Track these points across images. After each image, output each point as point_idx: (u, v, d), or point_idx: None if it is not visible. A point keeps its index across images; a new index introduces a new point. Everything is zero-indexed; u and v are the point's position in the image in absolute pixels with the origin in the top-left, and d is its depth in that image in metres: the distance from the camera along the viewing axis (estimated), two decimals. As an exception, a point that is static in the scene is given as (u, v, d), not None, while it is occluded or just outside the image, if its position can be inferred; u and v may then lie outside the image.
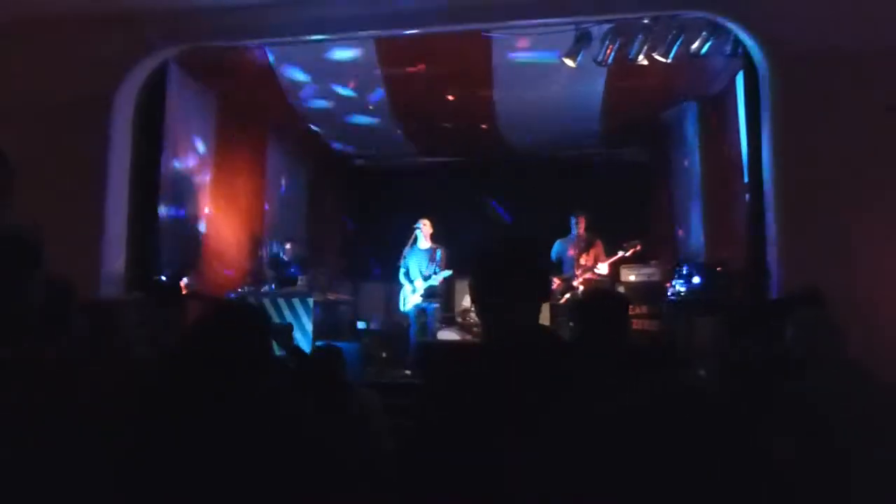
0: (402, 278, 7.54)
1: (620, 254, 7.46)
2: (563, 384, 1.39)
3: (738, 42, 5.91)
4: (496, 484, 1.31)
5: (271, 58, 7.26)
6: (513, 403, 1.36)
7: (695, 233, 8.34)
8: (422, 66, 7.41)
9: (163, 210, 7.06)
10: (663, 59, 6.44)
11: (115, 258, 6.42)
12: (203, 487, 1.52)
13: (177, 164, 7.49)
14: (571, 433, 1.33)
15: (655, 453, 1.35)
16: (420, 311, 7.39)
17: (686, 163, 8.77)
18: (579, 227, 7.62)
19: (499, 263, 1.58)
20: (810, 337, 3.09)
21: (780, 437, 2.62)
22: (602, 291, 4.90)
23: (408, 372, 6.92)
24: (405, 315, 7.56)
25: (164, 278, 6.71)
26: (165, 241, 7.11)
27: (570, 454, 1.31)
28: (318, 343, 6.73)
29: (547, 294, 1.65)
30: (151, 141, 6.83)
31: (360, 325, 8.50)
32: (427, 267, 7.36)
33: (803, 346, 3.09)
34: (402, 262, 7.55)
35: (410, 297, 7.42)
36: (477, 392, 1.42)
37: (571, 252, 7.61)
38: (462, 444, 1.37)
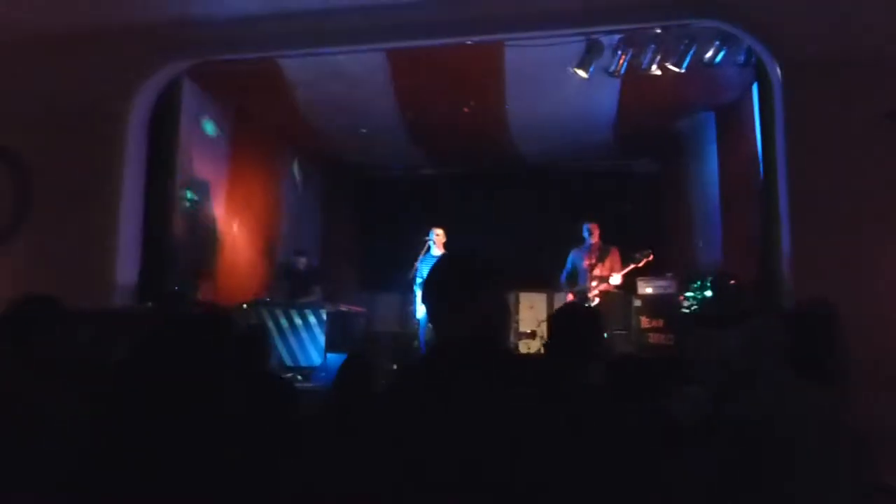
0: (417, 287, 7.53)
1: (632, 265, 7.35)
2: (484, 398, 1.36)
3: (751, 51, 5.86)
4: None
5: (285, 70, 7.31)
6: (438, 412, 1.35)
7: (710, 245, 8.24)
8: (434, 78, 7.43)
9: (177, 220, 7.13)
10: (676, 69, 6.41)
11: (130, 268, 6.49)
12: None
13: (191, 175, 7.57)
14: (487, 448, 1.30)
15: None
16: None
17: (701, 174, 8.68)
18: (593, 235, 7.51)
19: (434, 277, 1.60)
20: (820, 350, 3.02)
21: (782, 451, 2.56)
22: (572, 308, 4.67)
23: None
24: (417, 323, 7.53)
25: (177, 288, 6.76)
26: (180, 252, 7.17)
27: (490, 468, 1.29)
28: (347, 355, 6.64)
29: (473, 309, 1.60)
30: (167, 152, 6.91)
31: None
32: None
33: (812, 359, 3.01)
34: (416, 272, 7.54)
35: (421, 306, 7.39)
36: (405, 400, 1.43)
37: (586, 262, 7.48)
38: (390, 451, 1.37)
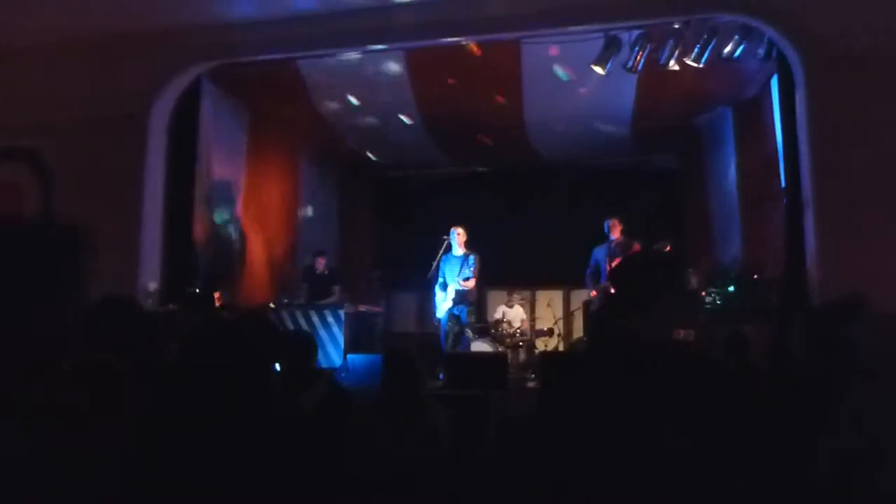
0: (438, 288, 7.51)
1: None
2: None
3: (771, 44, 5.81)
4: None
5: (302, 71, 7.33)
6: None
7: (731, 240, 8.19)
8: (451, 77, 7.42)
9: (197, 223, 7.16)
10: (695, 64, 6.35)
11: (152, 271, 6.52)
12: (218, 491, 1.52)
13: (210, 178, 7.60)
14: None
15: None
16: (453, 317, 7.33)
17: (721, 169, 8.62)
18: (614, 231, 7.49)
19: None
20: (851, 345, 2.97)
21: (819, 448, 2.54)
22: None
23: (439, 383, 6.86)
24: (437, 323, 7.50)
25: (197, 290, 6.79)
26: (200, 254, 7.20)
27: None
28: (391, 349, 6.59)
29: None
30: (186, 155, 6.95)
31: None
32: (460, 273, 7.36)
33: (843, 355, 2.97)
34: (437, 272, 7.51)
35: (443, 304, 7.39)
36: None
37: (609, 259, 7.46)
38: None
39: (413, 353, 3.78)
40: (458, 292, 7.34)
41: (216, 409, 1.55)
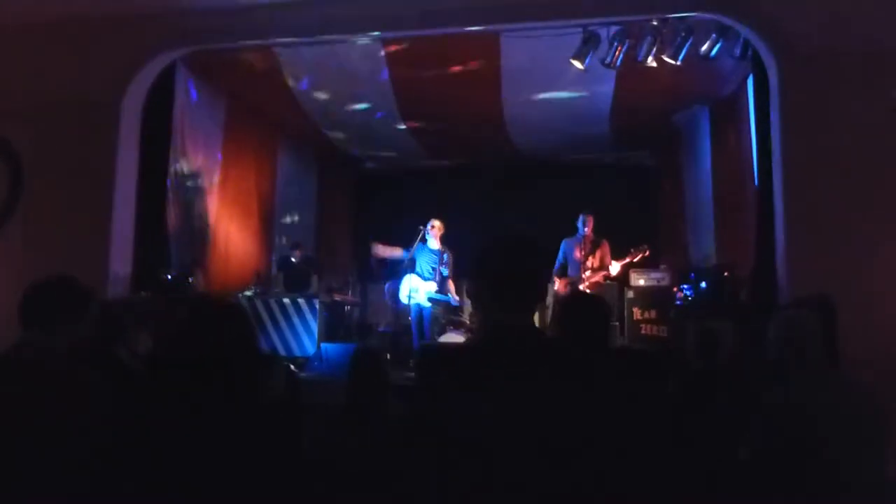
0: (407, 275, 7.49)
1: (628, 258, 7.38)
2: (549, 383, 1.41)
3: (747, 44, 5.87)
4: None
5: (280, 59, 7.26)
6: (506, 399, 1.39)
7: (704, 237, 8.29)
8: (430, 69, 7.40)
9: (170, 210, 7.08)
10: (672, 62, 6.40)
11: (123, 258, 6.44)
12: (194, 485, 1.52)
13: (185, 165, 7.52)
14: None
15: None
16: (419, 311, 7.38)
17: (696, 167, 8.72)
18: (587, 226, 7.54)
19: (500, 265, 1.62)
20: (817, 342, 3.03)
21: (786, 441, 2.61)
22: (582, 296, 4.87)
23: (410, 374, 6.88)
24: (406, 310, 7.50)
25: (170, 278, 6.72)
26: (173, 242, 7.13)
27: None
28: (358, 345, 6.61)
29: (538, 297, 1.67)
30: (160, 141, 6.85)
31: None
32: (435, 267, 7.37)
33: (809, 351, 3.03)
34: (410, 256, 7.48)
35: (416, 294, 7.38)
36: (472, 390, 1.47)
37: (578, 253, 7.51)
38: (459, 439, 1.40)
39: (381, 351, 3.74)
40: (438, 283, 7.38)
41: (200, 400, 1.55)
